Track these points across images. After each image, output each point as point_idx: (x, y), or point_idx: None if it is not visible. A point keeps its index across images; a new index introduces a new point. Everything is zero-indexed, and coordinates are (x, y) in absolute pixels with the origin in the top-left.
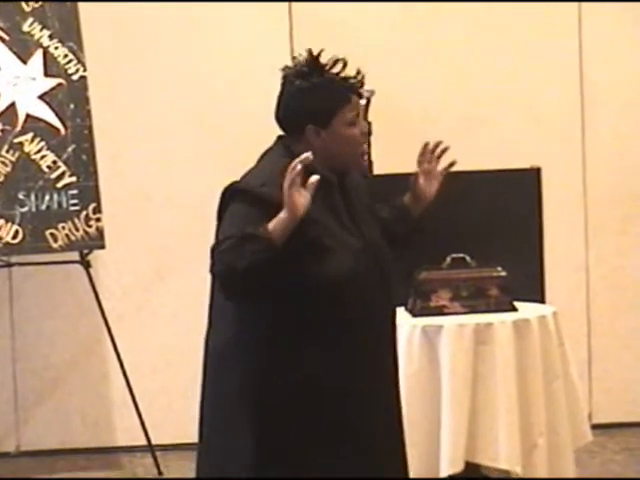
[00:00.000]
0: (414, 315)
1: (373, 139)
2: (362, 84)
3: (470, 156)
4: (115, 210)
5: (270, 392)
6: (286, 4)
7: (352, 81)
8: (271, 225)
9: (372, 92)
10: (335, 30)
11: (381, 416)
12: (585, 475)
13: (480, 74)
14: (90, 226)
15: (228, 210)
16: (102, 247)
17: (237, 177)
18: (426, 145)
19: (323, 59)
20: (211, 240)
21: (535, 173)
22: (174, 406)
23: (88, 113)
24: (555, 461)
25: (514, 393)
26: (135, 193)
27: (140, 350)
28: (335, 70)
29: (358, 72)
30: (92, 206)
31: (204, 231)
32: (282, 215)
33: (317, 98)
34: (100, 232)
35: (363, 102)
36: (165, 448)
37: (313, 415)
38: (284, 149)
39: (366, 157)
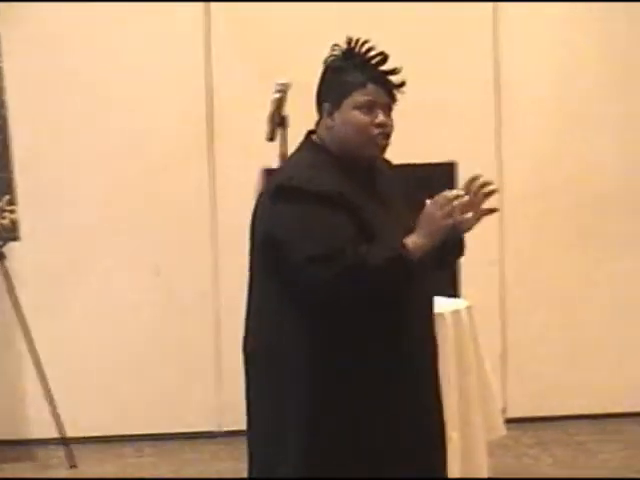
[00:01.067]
0: None
1: (289, 132)
2: (388, 83)
3: (390, 149)
4: (30, 202)
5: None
6: (202, 2)
7: (374, 70)
8: (411, 246)
9: (287, 85)
10: (253, 22)
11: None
12: (499, 468)
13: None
14: (4, 218)
15: (285, 210)
16: (16, 239)
17: (152, 173)
18: (476, 178)
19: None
20: (124, 231)
21: (450, 167)
22: (88, 399)
23: (3, 103)
24: (468, 455)
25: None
26: (50, 185)
27: (55, 342)
28: (370, 59)
29: (395, 69)
30: (6, 198)
31: (118, 225)
32: (422, 241)
33: (336, 77)
34: (14, 224)
35: (278, 96)
36: (79, 441)
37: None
38: (305, 141)
39: (377, 146)
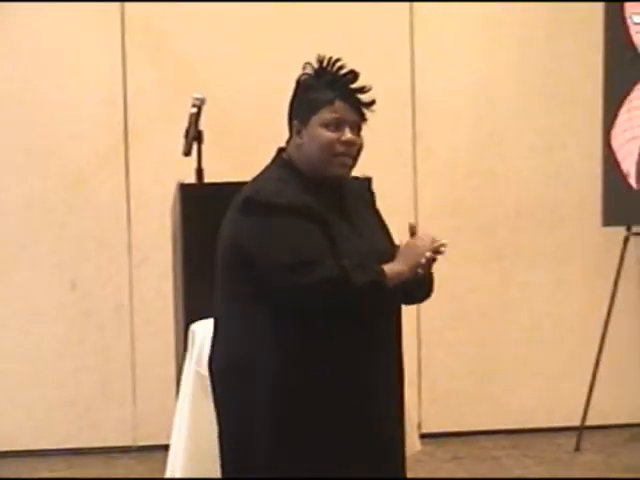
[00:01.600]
0: None
1: (205, 147)
2: (356, 101)
3: None
4: None
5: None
6: (118, 13)
7: (343, 88)
8: (389, 273)
9: (202, 100)
10: (169, 36)
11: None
12: None
13: None
14: None
15: (255, 223)
16: None
17: (68, 187)
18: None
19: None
20: (40, 245)
21: (366, 182)
22: (2, 413)
23: None
24: None
25: None
26: None
27: None
28: (340, 77)
29: (364, 87)
30: None
31: (33, 238)
32: (401, 268)
33: (305, 95)
34: None
35: (194, 110)
36: None
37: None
38: (275, 158)
39: (341, 164)
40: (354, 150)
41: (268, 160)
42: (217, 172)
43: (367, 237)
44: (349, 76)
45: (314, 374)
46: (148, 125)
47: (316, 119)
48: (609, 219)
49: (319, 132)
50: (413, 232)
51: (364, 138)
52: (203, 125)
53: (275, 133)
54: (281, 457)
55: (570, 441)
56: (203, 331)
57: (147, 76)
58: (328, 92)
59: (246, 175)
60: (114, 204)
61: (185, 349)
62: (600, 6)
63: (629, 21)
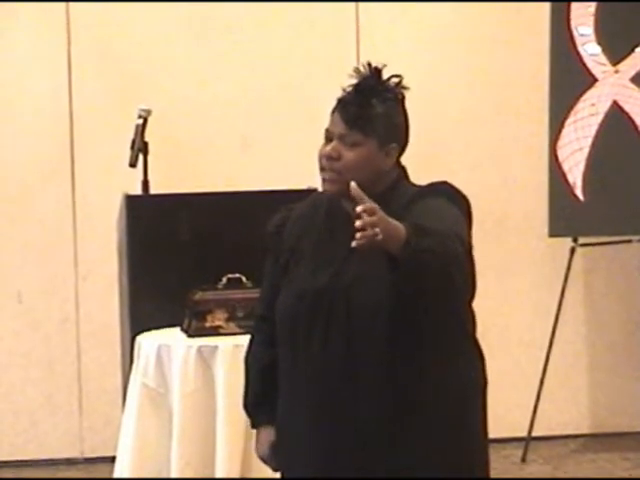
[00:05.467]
0: (189, 335)
1: (151, 158)
2: (344, 113)
3: (247, 176)
4: None
5: None
6: (64, 23)
7: (340, 100)
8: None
9: (148, 111)
10: (115, 47)
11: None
12: None
13: (258, 93)
14: None
15: None
16: None
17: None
18: None
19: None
20: None
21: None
22: None
23: None
24: None
25: None
26: None
27: None
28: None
29: (353, 99)
30: None
31: None
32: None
33: None
34: None
35: (140, 122)
36: None
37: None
38: None
39: (323, 180)
40: (336, 164)
41: (214, 171)
42: (163, 183)
43: (334, 266)
44: (350, 88)
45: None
46: (94, 136)
47: None
48: (556, 230)
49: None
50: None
51: (310, 151)
52: (149, 136)
53: (220, 144)
54: None
55: (517, 452)
56: (149, 343)
57: (93, 87)
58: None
59: (192, 186)
60: (59, 215)
61: (131, 361)
62: (547, 17)
63: (575, 32)
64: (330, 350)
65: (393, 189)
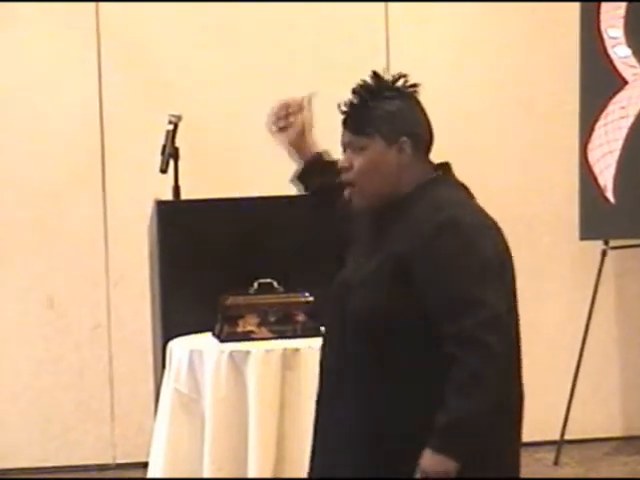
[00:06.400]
0: (221, 341)
1: (181, 164)
2: (345, 122)
3: (276, 181)
4: None
5: None
6: (94, 30)
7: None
8: None
9: (179, 117)
10: (145, 53)
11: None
12: None
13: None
14: None
15: None
16: None
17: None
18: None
19: None
20: (17, 262)
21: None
22: None
23: None
24: None
25: None
26: None
27: None
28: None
29: (347, 106)
30: None
31: (10, 255)
32: None
33: None
34: None
35: (170, 127)
36: None
37: None
38: None
39: (346, 192)
40: (349, 175)
41: (244, 176)
42: (194, 189)
43: (359, 264)
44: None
45: None
46: (124, 143)
47: None
48: (586, 233)
49: None
50: None
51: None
52: (179, 142)
53: (251, 149)
54: None
55: (549, 455)
56: (181, 348)
57: (123, 93)
58: None
59: (222, 192)
60: (91, 222)
61: (163, 367)
62: (577, 19)
63: (605, 35)
64: (329, 348)
65: (421, 190)
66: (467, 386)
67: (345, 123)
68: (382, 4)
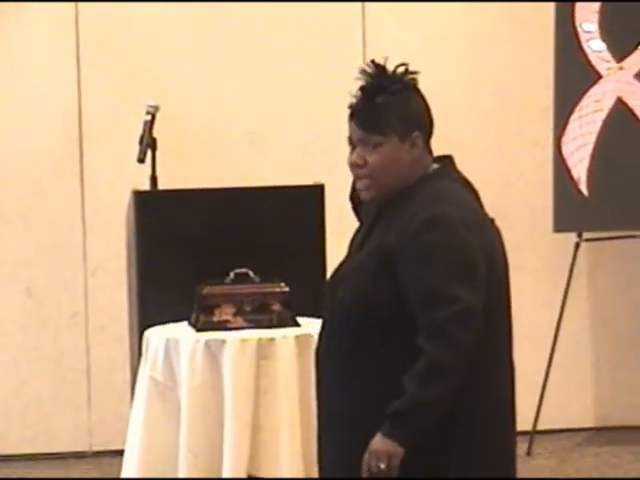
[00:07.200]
0: (197, 330)
1: (159, 154)
2: (351, 117)
3: (254, 172)
4: None
5: None
6: (72, 21)
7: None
8: None
9: (156, 108)
10: (123, 44)
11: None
12: None
13: (266, 90)
14: None
15: None
16: None
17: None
18: None
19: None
20: None
21: (318, 190)
22: None
23: None
24: None
25: (296, 407)
26: None
27: None
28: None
29: (357, 103)
30: None
31: None
32: None
33: None
34: None
35: (148, 118)
36: None
37: None
38: None
39: (358, 188)
40: (363, 171)
41: (222, 167)
42: (172, 179)
43: (353, 255)
44: (357, 91)
45: None
46: (102, 132)
47: None
48: (560, 225)
49: None
50: None
51: (318, 147)
52: (157, 132)
53: (229, 141)
54: None
55: (522, 445)
56: (157, 337)
57: (101, 84)
58: None
59: (200, 182)
60: (68, 211)
61: (140, 355)
62: (551, 14)
63: (579, 29)
64: (322, 336)
65: (422, 182)
66: (425, 375)
67: (354, 119)
68: (359, 4)
